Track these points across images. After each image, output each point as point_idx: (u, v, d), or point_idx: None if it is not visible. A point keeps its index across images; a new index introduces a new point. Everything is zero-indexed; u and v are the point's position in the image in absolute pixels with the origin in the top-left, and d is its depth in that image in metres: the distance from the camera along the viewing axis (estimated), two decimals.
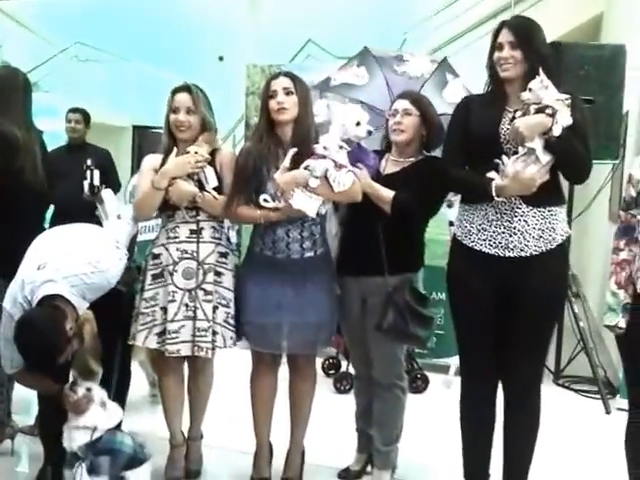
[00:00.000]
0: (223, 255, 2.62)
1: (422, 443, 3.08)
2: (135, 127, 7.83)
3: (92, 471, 2.33)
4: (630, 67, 3.91)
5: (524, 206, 2.23)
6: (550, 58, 2.27)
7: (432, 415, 3.34)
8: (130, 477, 2.41)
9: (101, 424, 2.37)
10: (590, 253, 6.51)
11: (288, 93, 2.45)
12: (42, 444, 2.63)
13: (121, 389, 2.63)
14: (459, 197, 2.54)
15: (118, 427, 2.52)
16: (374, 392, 2.67)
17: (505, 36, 2.23)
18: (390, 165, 2.64)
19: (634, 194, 2.22)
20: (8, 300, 2.33)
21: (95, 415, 2.36)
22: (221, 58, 8.78)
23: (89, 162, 3.79)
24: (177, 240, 2.59)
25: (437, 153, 2.60)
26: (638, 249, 2.21)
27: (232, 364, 2.88)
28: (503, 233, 2.25)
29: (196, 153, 2.54)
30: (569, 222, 4.11)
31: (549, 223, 2.25)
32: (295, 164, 2.41)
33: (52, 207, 4.07)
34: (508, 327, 2.30)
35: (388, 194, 2.47)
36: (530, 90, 2.17)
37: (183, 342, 2.54)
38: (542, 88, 2.15)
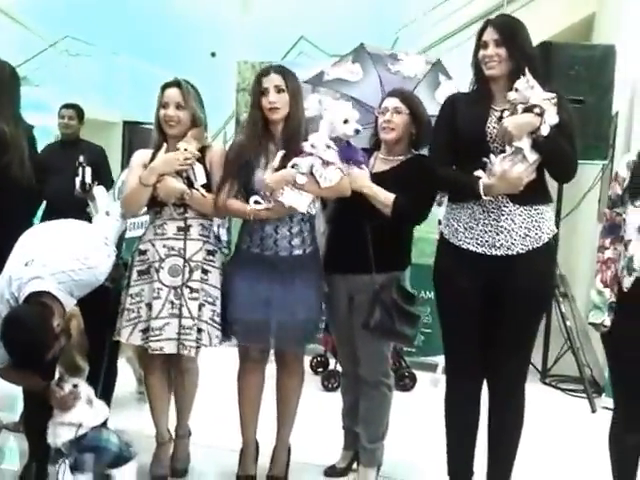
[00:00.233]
0: (211, 253, 2.61)
1: (408, 441, 3.08)
2: (125, 122, 7.80)
3: (76, 468, 2.32)
4: (620, 68, 3.93)
5: (511, 204, 2.24)
6: (535, 56, 2.28)
7: (419, 413, 3.35)
8: (116, 475, 2.41)
9: (87, 421, 2.35)
10: (579, 253, 6.54)
11: (279, 91, 2.44)
12: (27, 441, 2.61)
13: (107, 386, 2.62)
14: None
15: (104, 425, 2.52)
16: (361, 390, 2.67)
17: (490, 34, 2.24)
18: (379, 163, 2.64)
19: (620, 192, 2.23)
20: None
21: (81, 412, 2.35)
22: (213, 54, 8.76)
23: (81, 159, 3.77)
24: (164, 237, 2.58)
25: (426, 151, 2.60)
26: (623, 247, 2.22)
27: (219, 361, 2.88)
28: (490, 232, 2.26)
29: (185, 150, 2.53)
30: (557, 222, 4.18)
31: (535, 222, 2.26)
32: (284, 164, 2.42)
33: (44, 203, 4.07)
34: (494, 325, 2.30)
35: (388, 197, 2.47)
36: (516, 90, 2.17)
37: (167, 339, 2.52)
38: (528, 88, 2.16)
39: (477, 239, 2.27)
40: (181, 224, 2.57)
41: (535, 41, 3.82)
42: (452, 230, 2.34)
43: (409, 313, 2.49)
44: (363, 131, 2.71)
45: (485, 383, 2.41)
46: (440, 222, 3.03)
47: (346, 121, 2.46)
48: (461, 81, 3.07)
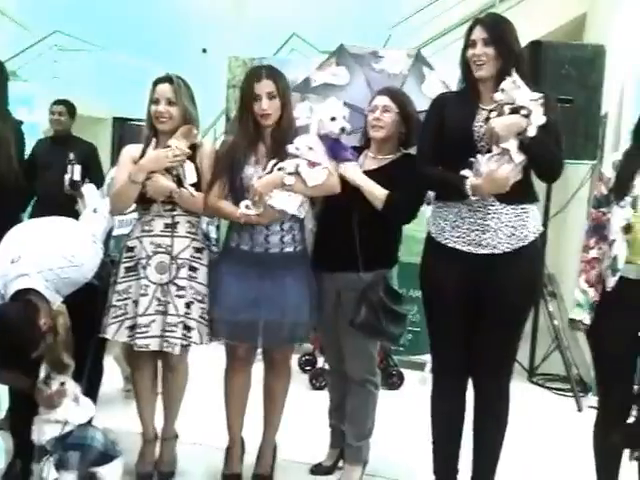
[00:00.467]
0: (199, 250, 2.60)
1: (395, 439, 3.09)
2: (115, 119, 7.75)
3: (61, 466, 2.31)
4: (610, 68, 3.95)
5: (497, 203, 2.25)
6: (523, 56, 2.28)
7: (406, 411, 3.36)
8: (101, 473, 2.41)
9: (73, 418, 2.34)
10: (567, 252, 6.57)
11: (271, 98, 2.45)
12: (12, 438, 2.59)
13: (93, 384, 2.61)
14: None
15: (90, 423, 2.51)
16: (347, 388, 2.68)
17: (478, 33, 2.24)
18: (368, 161, 2.64)
19: (605, 192, 2.24)
20: None
21: (67, 409, 2.34)
22: (204, 50, 8.72)
23: (71, 156, 3.75)
24: (151, 234, 2.57)
25: (414, 150, 2.60)
26: (607, 247, 2.23)
27: (205, 359, 2.87)
28: (476, 230, 2.26)
29: (176, 147, 2.51)
30: (546, 221, 4.20)
31: (522, 220, 2.26)
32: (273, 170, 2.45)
33: (34, 199, 4.04)
34: (480, 324, 2.31)
35: (381, 191, 2.48)
36: (503, 90, 2.17)
37: (153, 337, 2.52)
38: (514, 88, 2.16)
39: (463, 238, 2.28)
40: (168, 221, 2.56)
41: (527, 40, 3.88)
42: (439, 229, 2.34)
43: (396, 312, 2.50)
44: (354, 134, 2.72)
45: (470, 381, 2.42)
46: None
47: (333, 118, 2.48)
48: (453, 80, 3.07)
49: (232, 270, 2.52)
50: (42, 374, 2.36)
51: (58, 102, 4.41)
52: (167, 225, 2.56)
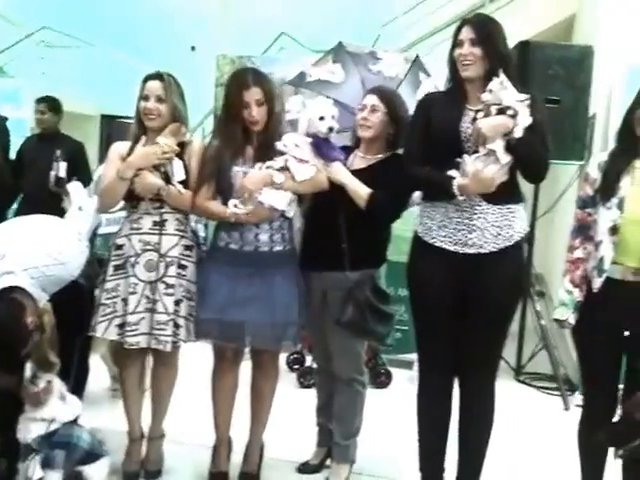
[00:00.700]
0: (188, 248, 2.59)
1: (383, 437, 3.10)
2: (103, 116, 7.70)
3: (46, 464, 2.29)
4: (598, 69, 3.97)
5: (484, 203, 2.25)
6: (510, 57, 2.29)
7: (394, 410, 3.36)
8: (87, 472, 2.40)
9: (59, 416, 2.33)
10: (555, 252, 6.60)
11: (260, 105, 2.46)
12: None
13: (79, 383, 2.60)
14: None
15: (76, 422, 2.49)
16: (335, 386, 2.68)
17: (466, 33, 2.24)
18: (357, 161, 2.64)
19: (591, 193, 2.25)
20: None
21: (53, 407, 2.32)
22: (193, 48, 8.68)
23: (57, 153, 3.73)
24: (140, 231, 2.56)
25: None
26: (593, 248, 2.24)
27: (192, 357, 2.86)
28: (463, 230, 2.27)
29: (165, 145, 2.50)
30: (534, 221, 4.22)
31: (508, 220, 2.27)
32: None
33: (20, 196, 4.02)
34: (466, 323, 2.32)
35: (365, 190, 2.48)
36: (490, 91, 2.18)
37: (142, 334, 2.51)
38: (502, 89, 2.16)
39: (450, 237, 2.29)
40: (157, 218, 2.55)
41: (516, 40, 3.89)
42: (425, 228, 2.35)
43: (382, 311, 2.50)
44: (346, 133, 2.72)
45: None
46: None
47: (322, 118, 2.49)
48: (443, 79, 3.08)
49: (221, 270, 2.51)
50: (28, 373, 2.34)
51: (40, 100, 4.39)
52: (155, 223, 2.55)
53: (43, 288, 2.31)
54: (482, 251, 2.26)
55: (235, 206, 2.44)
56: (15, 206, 4.18)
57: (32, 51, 7.62)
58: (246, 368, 2.69)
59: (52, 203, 3.23)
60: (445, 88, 2.40)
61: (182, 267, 2.55)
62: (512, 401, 3.25)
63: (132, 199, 2.56)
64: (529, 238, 4.07)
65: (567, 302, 2.27)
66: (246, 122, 2.47)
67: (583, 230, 2.28)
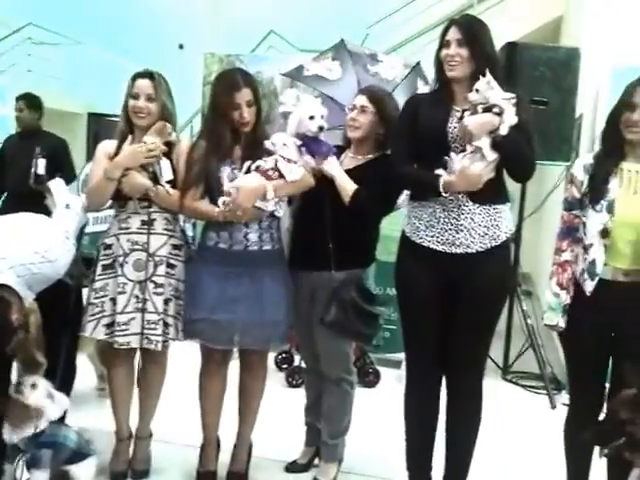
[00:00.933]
0: (177, 247, 2.58)
1: (371, 436, 3.11)
2: (91, 114, 7.66)
3: (33, 464, 2.28)
4: (584, 70, 4.00)
5: (470, 204, 2.27)
6: (496, 58, 2.30)
7: (382, 409, 3.37)
8: (74, 471, 2.39)
9: (48, 414, 2.31)
10: (542, 252, 6.65)
11: (250, 105, 2.46)
12: None
13: (66, 382, 2.58)
14: None
15: (62, 421, 2.48)
16: (323, 386, 2.68)
17: (453, 34, 2.26)
18: (347, 161, 2.65)
19: (578, 195, 2.26)
20: None
21: (47, 409, 2.31)
22: (181, 46, 8.66)
23: (37, 150, 3.70)
24: (128, 231, 2.55)
25: None
26: (582, 250, 2.25)
27: (180, 356, 2.85)
28: (450, 230, 2.28)
29: (151, 143, 2.49)
30: (521, 221, 4.24)
31: (494, 220, 2.29)
32: (249, 170, 2.46)
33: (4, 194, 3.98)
34: (453, 322, 2.33)
35: (351, 187, 2.49)
36: (477, 91, 2.19)
37: (133, 334, 2.51)
38: (488, 88, 2.18)
39: (437, 237, 2.30)
40: (145, 218, 2.54)
41: (504, 41, 3.91)
42: (413, 228, 2.36)
43: (367, 312, 2.50)
44: (338, 131, 2.72)
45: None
46: None
47: (312, 117, 2.50)
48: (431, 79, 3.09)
49: (210, 270, 2.50)
50: (14, 378, 2.32)
51: (19, 97, 4.36)
52: (143, 222, 2.54)
53: (29, 286, 2.30)
54: (469, 251, 2.27)
55: (224, 203, 2.43)
56: None
57: (18, 48, 7.54)
58: (234, 367, 2.68)
59: (35, 201, 3.20)
60: (431, 89, 2.41)
61: (171, 266, 2.55)
62: (499, 400, 3.26)
63: (120, 199, 2.55)
64: (516, 238, 4.09)
65: (554, 306, 2.27)
66: (236, 123, 2.46)
67: (570, 232, 2.29)
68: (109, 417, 2.71)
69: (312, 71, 3.06)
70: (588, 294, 2.21)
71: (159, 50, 7.55)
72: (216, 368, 2.62)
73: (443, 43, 2.27)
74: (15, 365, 2.51)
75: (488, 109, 2.17)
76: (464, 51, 2.23)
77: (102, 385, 3.42)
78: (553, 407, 3.85)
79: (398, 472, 2.60)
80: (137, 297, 2.51)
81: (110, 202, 2.63)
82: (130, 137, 2.55)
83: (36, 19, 7.51)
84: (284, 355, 4.11)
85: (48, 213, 2.71)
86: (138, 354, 2.68)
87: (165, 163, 2.52)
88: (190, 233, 4.05)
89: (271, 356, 3.26)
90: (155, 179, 2.52)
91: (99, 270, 2.56)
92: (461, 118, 2.22)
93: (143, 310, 2.50)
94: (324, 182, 2.54)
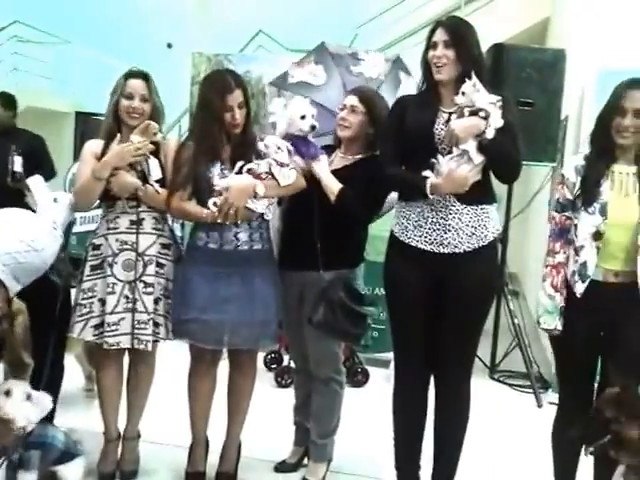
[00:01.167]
0: (166, 247, 2.58)
1: (360, 436, 3.11)
2: (78, 113, 7.61)
3: (21, 466, 2.27)
4: (570, 72, 4.04)
5: (458, 204, 2.28)
6: (482, 60, 2.32)
7: (371, 409, 3.38)
8: (62, 472, 2.38)
9: (30, 418, 2.30)
10: (529, 252, 6.71)
11: (241, 107, 2.46)
12: None
13: (54, 383, 2.57)
14: None
15: (50, 421, 2.47)
16: (312, 386, 2.69)
17: (439, 35, 2.27)
18: (337, 160, 2.66)
19: (570, 196, 2.27)
20: None
21: (24, 412, 2.28)
22: (169, 45, 8.63)
23: (12, 148, 3.68)
24: (117, 231, 2.54)
25: None
26: (573, 252, 2.26)
27: (168, 356, 2.85)
28: (438, 230, 2.30)
29: (139, 142, 2.48)
30: (507, 222, 4.27)
31: (481, 220, 2.31)
32: (240, 171, 2.47)
33: None
34: (441, 322, 2.35)
35: (337, 186, 2.50)
36: (463, 93, 2.21)
37: (123, 334, 2.50)
38: (475, 91, 2.20)
39: (425, 237, 2.31)
40: (134, 217, 2.54)
41: (491, 43, 3.94)
42: (402, 228, 2.37)
43: (356, 312, 2.50)
44: (326, 137, 2.73)
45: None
46: None
47: (303, 117, 2.51)
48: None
49: (201, 270, 2.49)
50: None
51: None
52: (132, 222, 2.54)
53: (16, 276, 2.28)
54: (457, 251, 2.29)
55: (214, 204, 2.44)
56: None
57: (4, 46, 7.48)
58: (223, 367, 2.68)
59: (14, 199, 3.18)
60: (418, 90, 2.43)
61: (160, 265, 2.55)
62: (487, 399, 3.28)
63: (108, 198, 2.54)
64: (503, 238, 4.12)
65: (551, 309, 2.26)
66: (227, 125, 2.46)
67: (563, 234, 2.29)
68: (97, 418, 2.70)
69: (297, 77, 3.06)
70: (579, 296, 2.23)
71: (147, 49, 7.52)
72: (206, 368, 2.61)
73: (430, 45, 2.29)
74: (2, 367, 2.50)
75: (474, 112, 2.19)
76: (451, 52, 2.25)
77: (90, 386, 3.41)
78: (539, 406, 3.88)
79: (387, 471, 2.62)
80: (127, 297, 2.50)
81: (98, 202, 2.62)
82: (119, 136, 2.54)
83: (22, 17, 7.45)
84: (273, 355, 4.12)
85: (30, 210, 2.69)
86: (126, 354, 2.68)
87: (153, 162, 2.52)
88: (179, 233, 4.05)
89: (260, 356, 3.26)
90: (144, 178, 2.51)
91: (87, 271, 2.55)
92: (448, 121, 2.24)
93: (133, 310, 2.50)
94: (313, 183, 2.55)
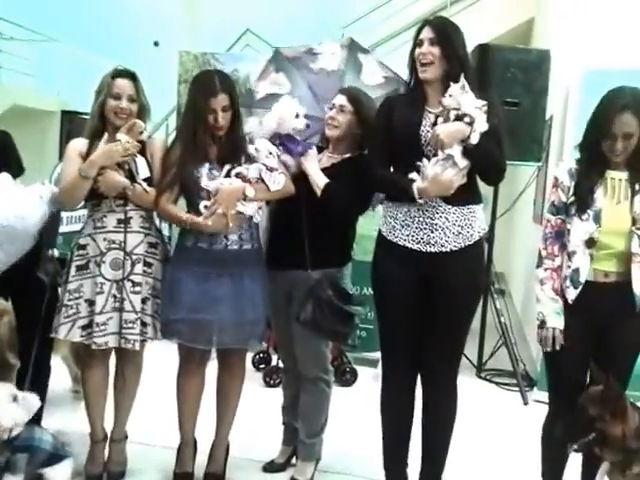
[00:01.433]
0: (153, 245, 2.58)
1: (348, 435, 3.13)
2: (64, 112, 7.54)
3: (7, 469, 2.25)
4: (555, 72, 4.07)
5: (444, 204, 2.30)
6: (468, 60, 2.34)
7: (359, 408, 3.39)
8: (49, 474, 2.37)
9: (19, 419, 2.28)
10: (515, 251, 6.77)
11: (226, 110, 2.46)
12: None
13: (41, 384, 2.56)
14: None
15: (38, 423, 2.45)
16: (300, 385, 2.69)
17: (426, 33, 2.30)
18: (325, 159, 2.67)
19: (565, 199, 2.27)
20: None
21: (10, 414, 2.27)
22: (156, 43, 8.59)
23: None
24: (104, 230, 2.53)
25: None
26: (567, 257, 2.26)
27: (157, 357, 2.84)
28: (425, 229, 2.31)
29: (126, 142, 2.47)
30: (493, 221, 4.30)
31: (468, 220, 2.32)
32: (228, 174, 2.47)
33: None
34: (428, 321, 2.36)
35: (324, 181, 2.52)
36: (450, 96, 2.23)
37: (111, 334, 2.49)
38: (462, 94, 2.21)
39: (413, 236, 2.33)
40: (121, 216, 2.53)
41: (477, 43, 3.96)
42: (389, 227, 2.39)
43: (343, 311, 2.51)
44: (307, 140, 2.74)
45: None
46: None
47: (297, 115, 2.54)
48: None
49: (190, 270, 2.48)
50: None
51: None
52: (120, 221, 2.53)
53: None
54: (444, 250, 2.31)
55: (205, 207, 2.43)
56: None
57: None
58: (212, 367, 2.68)
59: None
60: (405, 90, 2.44)
61: (148, 265, 2.54)
62: (474, 397, 3.30)
63: (94, 197, 2.52)
64: (489, 237, 4.15)
65: (558, 311, 2.24)
66: (210, 127, 2.47)
67: (560, 237, 2.29)
68: (84, 419, 2.69)
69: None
70: (570, 302, 2.24)
71: (134, 47, 7.48)
72: (195, 368, 2.61)
73: (416, 43, 2.31)
74: None
75: (459, 118, 2.20)
76: (436, 50, 2.26)
77: (77, 387, 3.39)
78: (525, 403, 3.91)
79: (375, 470, 2.63)
80: (115, 296, 2.49)
81: (83, 202, 2.61)
82: (106, 135, 2.53)
83: (7, 15, 7.37)
84: (262, 355, 4.12)
85: None
86: (113, 355, 2.67)
87: (141, 161, 2.51)
88: (166, 233, 4.04)
89: (248, 356, 3.25)
90: (131, 177, 2.50)
91: (73, 271, 2.53)
92: (434, 123, 2.26)
93: (120, 309, 2.49)
94: (301, 182, 2.55)
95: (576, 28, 4.45)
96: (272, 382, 3.85)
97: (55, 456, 2.37)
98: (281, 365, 3.10)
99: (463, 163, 2.23)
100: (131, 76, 2.55)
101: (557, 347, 2.23)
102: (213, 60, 4.73)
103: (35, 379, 2.52)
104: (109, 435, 2.72)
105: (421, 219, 2.32)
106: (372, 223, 2.71)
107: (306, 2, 8.10)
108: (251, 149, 2.50)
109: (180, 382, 2.64)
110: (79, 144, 2.56)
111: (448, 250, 2.31)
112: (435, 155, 2.26)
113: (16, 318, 2.73)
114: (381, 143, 2.37)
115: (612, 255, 2.21)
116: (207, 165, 2.48)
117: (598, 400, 2.08)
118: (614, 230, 2.19)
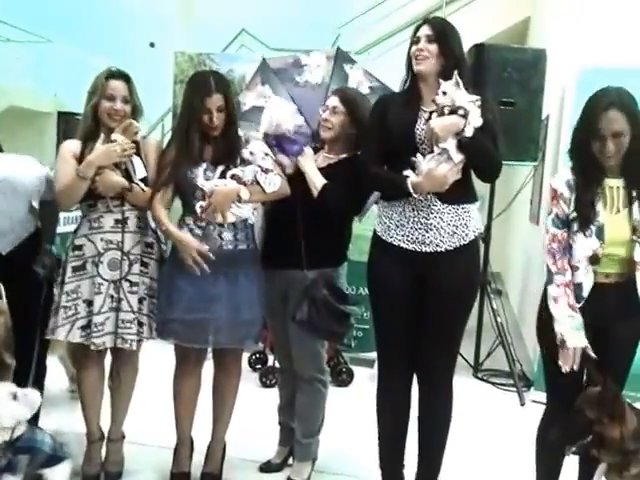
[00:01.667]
0: (149, 245, 2.58)
1: (344, 435, 3.13)
2: (60, 113, 7.53)
3: (8, 470, 2.26)
4: (551, 72, 4.07)
5: (439, 203, 2.30)
6: (464, 59, 2.34)
7: (355, 408, 3.39)
8: (48, 475, 2.37)
9: (19, 416, 2.28)
10: (511, 251, 6.77)
11: (221, 110, 2.46)
12: None
13: (37, 384, 2.54)
14: None
15: (35, 423, 2.45)
16: (296, 385, 2.69)
17: (423, 30, 2.31)
18: (321, 160, 2.67)
19: (567, 211, 2.21)
20: None
21: (12, 411, 2.27)
22: (152, 44, 8.58)
23: None
24: (101, 230, 2.53)
25: None
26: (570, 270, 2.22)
27: (153, 357, 2.84)
28: (420, 229, 2.31)
29: (123, 142, 2.47)
30: (490, 221, 4.31)
31: (462, 219, 2.32)
32: (223, 175, 2.47)
33: None
34: (423, 321, 2.36)
35: (321, 181, 2.52)
36: (444, 93, 2.23)
37: (108, 334, 2.49)
38: (455, 90, 2.22)
39: (407, 236, 2.33)
40: (118, 217, 2.53)
41: (473, 42, 3.96)
42: (384, 227, 2.39)
43: (339, 311, 2.52)
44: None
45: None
46: None
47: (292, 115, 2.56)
48: (398, 79, 3.09)
49: (185, 271, 2.46)
50: None
51: None
52: (117, 221, 2.53)
53: None
54: (438, 249, 2.31)
55: (200, 207, 2.43)
56: None
57: None
58: (208, 368, 2.68)
59: None
60: (400, 89, 2.44)
61: (144, 265, 2.55)
62: (470, 398, 3.30)
63: (90, 198, 2.52)
64: (485, 237, 4.15)
65: (579, 326, 2.17)
66: (205, 127, 2.47)
67: (567, 250, 2.22)
68: (81, 419, 2.69)
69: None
70: None
71: (130, 48, 7.47)
72: (191, 368, 2.61)
73: (414, 40, 2.32)
74: None
75: (454, 111, 2.21)
76: (433, 47, 2.27)
77: (73, 387, 3.39)
78: (522, 404, 3.91)
79: (371, 470, 2.63)
80: (112, 297, 2.49)
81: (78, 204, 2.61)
82: (102, 136, 2.52)
83: (3, 16, 7.36)
84: (258, 355, 4.12)
85: None
86: (109, 355, 2.66)
87: (137, 161, 2.51)
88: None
89: (245, 356, 3.26)
90: (128, 177, 2.51)
91: (69, 272, 2.52)
92: (429, 120, 2.26)
93: (117, 309, 2.49)
94: (296, 182, 2.56)
95: (572, 27, 4.46)
96: (268, 382, 3.84)
97: (54, 457, 2.37)
98: (277, 365, 3.11)
99: (458, 157, 2.23)
100: (125, 77, 2.55)
101: (576, 367, 2.14)
102: (208, 60, 4.73)
103: (32, 379, 2.51)
104: (106, 435, 2.72)
105: (416, 219, 2.32)
106: (367, 223, 2.72)
107: (301, 2, 8.10)
108: (246, 153, 2.50)
109: (176, 382, 2.64)
110: (72, 145, 2.56)
111: (443, 250, 2.31)
112: (431, 152, 2.26)
113: (11, 316, 2.72)
114: (375, 142, 2.37)
115: (613, 260, 2.20)
116: (203, 165, 2.48)
117: (596, 402, 2.07)
118: (615, 240, 2.18)
